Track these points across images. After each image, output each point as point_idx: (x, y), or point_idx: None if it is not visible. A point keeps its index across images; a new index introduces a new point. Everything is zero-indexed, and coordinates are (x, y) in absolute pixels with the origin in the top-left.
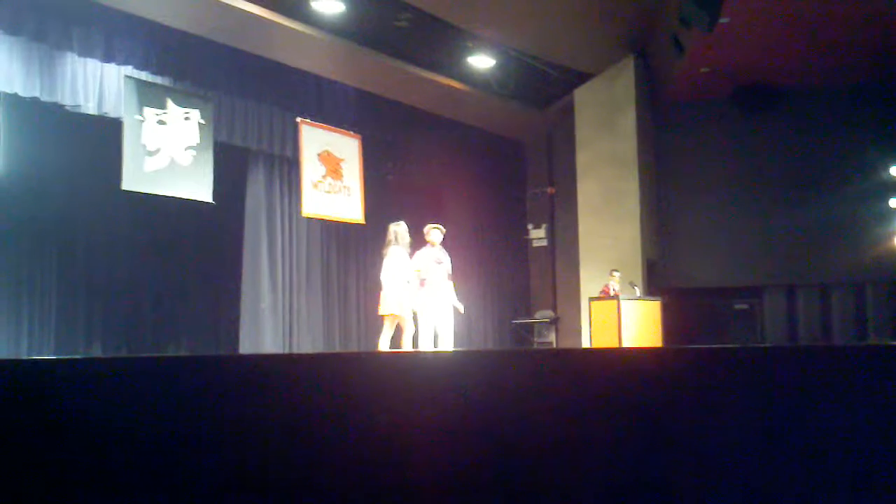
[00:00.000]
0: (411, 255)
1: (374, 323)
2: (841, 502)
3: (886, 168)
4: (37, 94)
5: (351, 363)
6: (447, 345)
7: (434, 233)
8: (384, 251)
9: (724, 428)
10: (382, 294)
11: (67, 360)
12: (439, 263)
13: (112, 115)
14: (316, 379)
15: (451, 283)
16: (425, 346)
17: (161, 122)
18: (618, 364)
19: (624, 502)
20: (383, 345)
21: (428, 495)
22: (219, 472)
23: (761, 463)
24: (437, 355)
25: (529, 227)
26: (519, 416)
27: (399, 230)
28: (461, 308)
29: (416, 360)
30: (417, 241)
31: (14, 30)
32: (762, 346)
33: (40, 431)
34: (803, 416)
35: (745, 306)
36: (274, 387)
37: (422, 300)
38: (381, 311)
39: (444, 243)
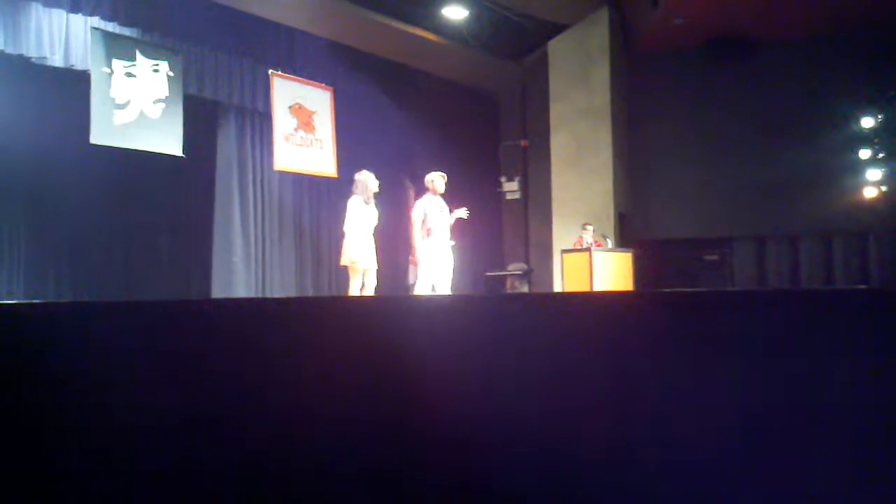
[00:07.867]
0: (412, 205)
1: (346, 276)
2: (819, 442)
3: (856, 120)
4: (1, 46)
5: (349, 307)
6: (445, 292)
7: (439, 181)
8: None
9: (701, 367)
10: (343, 243)
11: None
12: (442, 212)
13: (79, 67)
14: (316, 322)
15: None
16: (422, 292)
17: (130, 75)
18: (608, 306)
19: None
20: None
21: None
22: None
23: (732, 401)
24: (436, 299)
25: (502, 179)
26: (512, 354)
27: (361, 179)
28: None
29: (416, 304)
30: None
31: None
32: (735, 289)
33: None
34: (770, 356)
35: (714, 257)
36: (270, 330)
37: (427, 249)
38: (342, 260)
39: (419, 195)
